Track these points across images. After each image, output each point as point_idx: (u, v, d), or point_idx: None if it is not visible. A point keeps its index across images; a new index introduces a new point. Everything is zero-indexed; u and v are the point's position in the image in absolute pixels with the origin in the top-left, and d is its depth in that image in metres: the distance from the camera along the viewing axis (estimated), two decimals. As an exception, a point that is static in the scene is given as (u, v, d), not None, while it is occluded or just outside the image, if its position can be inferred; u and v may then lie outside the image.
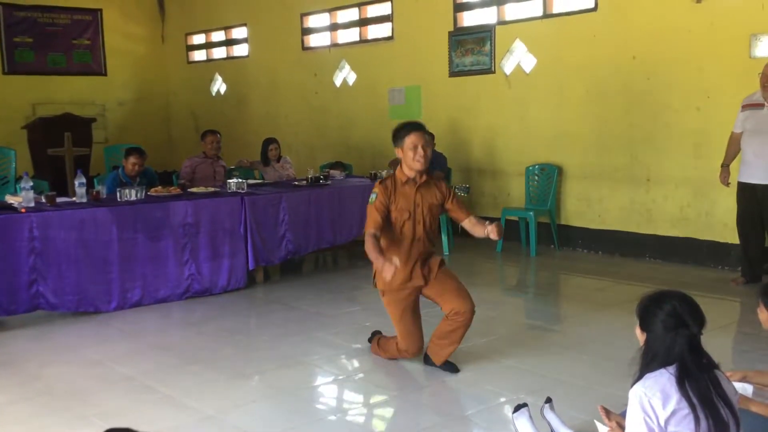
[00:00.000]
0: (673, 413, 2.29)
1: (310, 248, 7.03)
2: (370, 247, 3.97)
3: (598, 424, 2.80)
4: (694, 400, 2.29)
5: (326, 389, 4.29)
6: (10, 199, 5.81)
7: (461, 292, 4.28)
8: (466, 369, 4.39)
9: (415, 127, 4.20)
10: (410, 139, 4.12)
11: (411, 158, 4.13)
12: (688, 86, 6.90)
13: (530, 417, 3.25)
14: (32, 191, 5.67)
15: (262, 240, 6.48)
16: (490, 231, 4.07)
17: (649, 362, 2.39)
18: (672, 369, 2.35)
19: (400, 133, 4.19)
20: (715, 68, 6.72)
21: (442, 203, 4.36)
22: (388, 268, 3.78)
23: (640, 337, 2.47)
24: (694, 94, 6.87)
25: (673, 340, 2.36)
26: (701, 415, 2.27)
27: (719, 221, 6.82)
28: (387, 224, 4.19)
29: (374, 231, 4.08)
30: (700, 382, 2.32)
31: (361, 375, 4.47)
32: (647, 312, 2.43)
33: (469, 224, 4.36)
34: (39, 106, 11.59)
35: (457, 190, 8.08)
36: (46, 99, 11.74)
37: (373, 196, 4.18)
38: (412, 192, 4.22)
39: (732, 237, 6.55)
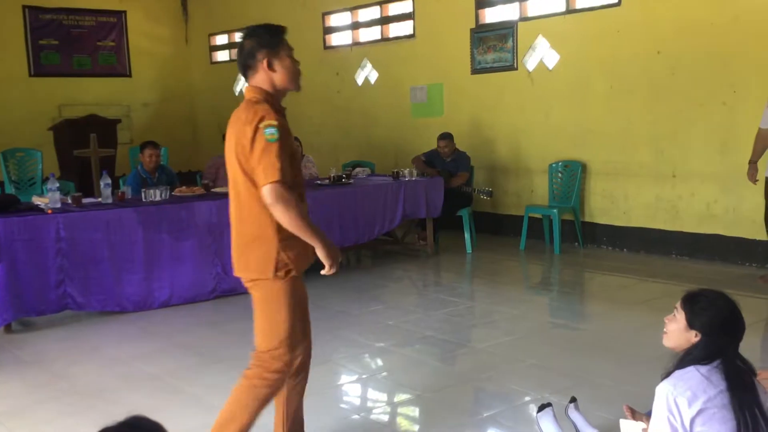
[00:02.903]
0: (700, 412, 2.27)
1: (334, 247, 7.02)
2: (306, 221, 2.89)
3: (623, 423, 2.77)
4: (736, 404, 2.26)
5: (350, 388, 4.30)
6: (37, 200, 5.88)
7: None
8: (491, 368, 4.38)
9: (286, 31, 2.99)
10: (288, 47, 2.95)
11: (293, 72, 2.93)
12: (714, 81, 6.82)
13: (555, 417, 3.23)
14: (59, 192, 5.74)
15: (285, 239, 6.50)
16: None
17: (689, 359, 2.37)
18: (704, 369, 2.32)
19: (273, 34, 2.94)
20: (741, 62, 6.63)
21: None
22: (335, 255, 2.91)
23: (684, 333, 2.43)
24: (720, 88, 6.78)
25: (724, 342, 2.34)
26: (740, 418, 2.25)
27: (747, 218, 6.73)
28: None
29: (292, 193, 2.81)
30: (743, 385, 2.30)
31: (385, 374, 4.47)
32: (699, 310, 2.40)
33: None
34: (65, 108, 11.73)
35: (479, 194, 8.10)
36: (71, 101, 11.87)
37: (273, 132, 2.74)
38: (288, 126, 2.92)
39: (760, 234, 6.46)
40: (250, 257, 2.91)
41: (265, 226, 2.87)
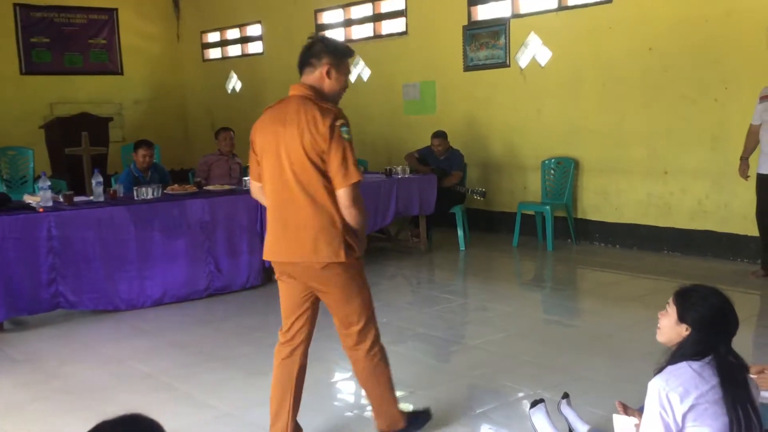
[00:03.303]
0: (692, 408, 2.27)
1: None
2: (366, 220, 3.16)
3: (616, 419, 2.77)
4: (729, 400, 2.27)
5: (344, 385, 4.30)
6: (29, 199, 5.85)
7: None
8: (483, 365, 4.39)
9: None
10: (349, 68, 3.24)
11: (342, 89, 3.17)
12: (706, 77, 6.84)
13: (547, 412, 3.24)
14: (50, 191, 5.71)
15: (278, 237, 6.49)
16: None
17: (681, 355, 2.37)
18: (696, 364, 2.33)
19: (343, 51, 3.16)
20: (733, 59, 6.65)
21: None
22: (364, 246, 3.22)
23: (675, 327, 2.43)
24: (712, 85, 6.80)
25: (715, 337, 2.35)
26: (733, 414, 2.26)
27: (738, 214, 6.75)
28: None
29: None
30: (736, 382, 2.31)
31: (378, 371, 4.47)
32: (690, 305, 2.40)
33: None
34: (56, 106, 11.68)
35: (473, 194, 8.11)
36: (63, 99, 11.83)
37: (347, 130, 3.01)
38: None
39: (751, 229, 6.49)
40: (321, 243, 3.03)
41: (335, 214, 3.02)
